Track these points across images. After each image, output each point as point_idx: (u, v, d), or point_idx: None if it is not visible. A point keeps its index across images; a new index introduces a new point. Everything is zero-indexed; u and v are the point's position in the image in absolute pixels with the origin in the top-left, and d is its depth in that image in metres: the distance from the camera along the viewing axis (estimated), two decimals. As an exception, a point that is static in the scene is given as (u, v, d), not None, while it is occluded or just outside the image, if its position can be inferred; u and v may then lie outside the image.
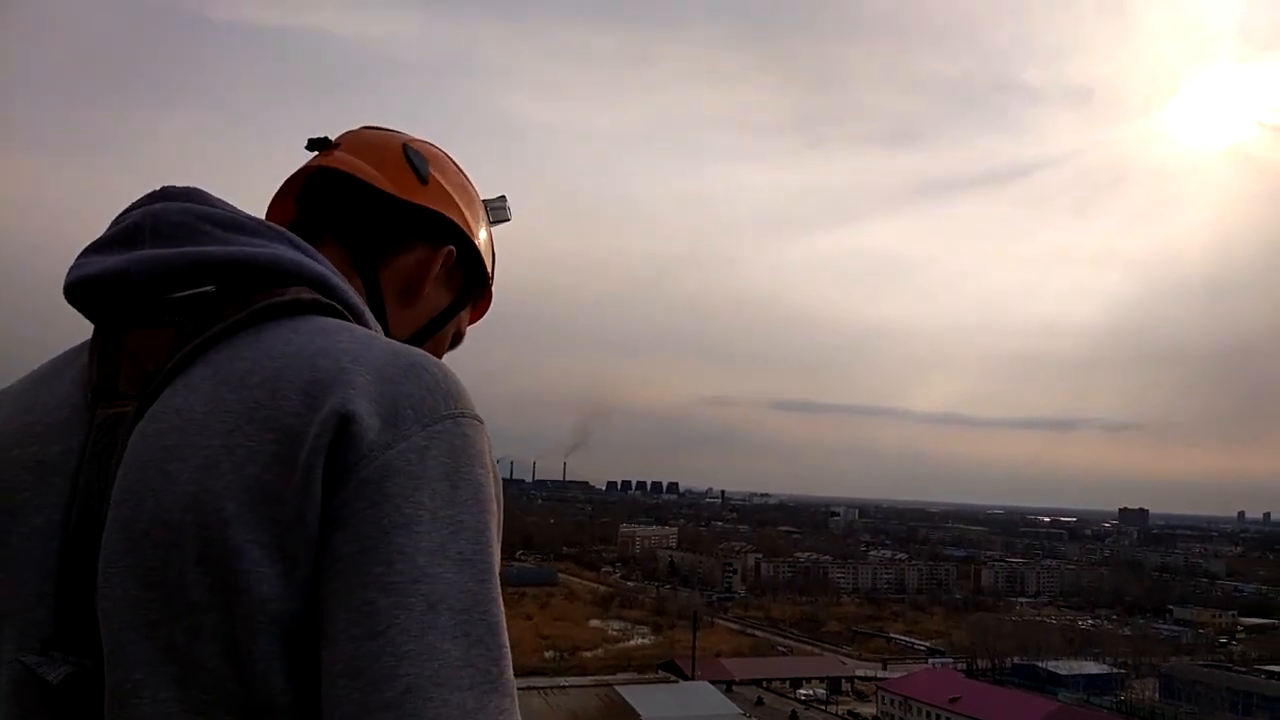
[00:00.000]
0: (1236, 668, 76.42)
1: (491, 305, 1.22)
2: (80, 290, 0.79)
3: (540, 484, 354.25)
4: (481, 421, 0.76)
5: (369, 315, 0.87)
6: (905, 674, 71.22)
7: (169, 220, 0.81)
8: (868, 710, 66.35)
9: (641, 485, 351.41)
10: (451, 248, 1.05)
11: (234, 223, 0.83)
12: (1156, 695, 71.35)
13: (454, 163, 1.13)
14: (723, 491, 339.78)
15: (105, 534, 0.69)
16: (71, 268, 0.80)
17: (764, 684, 70.57)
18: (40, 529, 0.72)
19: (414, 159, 1.05)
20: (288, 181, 1.07)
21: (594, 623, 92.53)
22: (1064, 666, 75.05)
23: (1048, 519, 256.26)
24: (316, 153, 1.06)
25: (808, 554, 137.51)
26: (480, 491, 0.72)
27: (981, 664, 79.82)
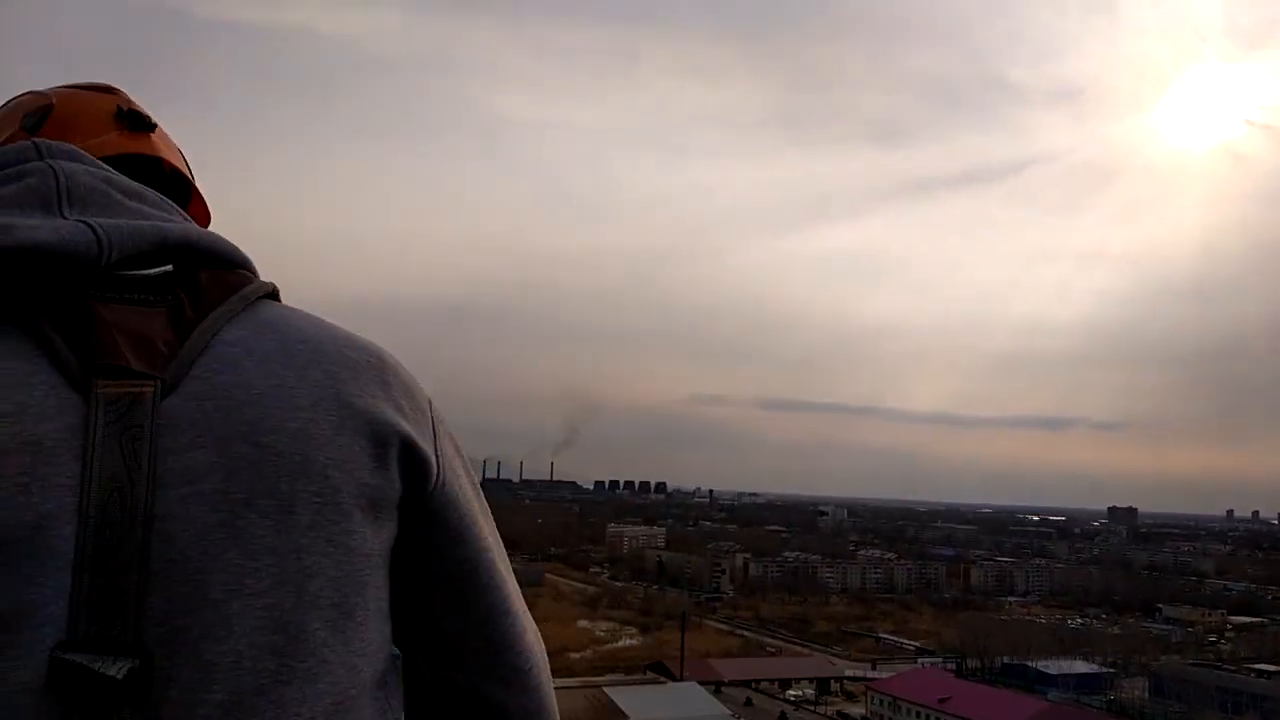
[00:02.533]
0: (1226, 666, 76.36)
1: None
2: (23, 257, 0.69)
3: (527, 483, 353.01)
4: None
5: None
6: (894, 674, 70.73)
7: (80, 183, 0.76)
8: (857, 710, 65.79)
9: (629, 485, 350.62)
10: None
11: (137, 192, 0.80)
12: (1146, 694, 71.12)
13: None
14: (711, 491, 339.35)
15: (174, 513, 0.65)
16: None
17: (753, 685, 69.90)
18: (50, 515, 0.63)
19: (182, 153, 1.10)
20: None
21: (582, 623, 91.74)
22: (1053, 666, 74.72)
23: (1037, 518, 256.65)
24: (125, 130, 1.02)
25: (796, 554, 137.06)
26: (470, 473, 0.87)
27: (971, 664, 79.39)
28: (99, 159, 0.88)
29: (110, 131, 1.00)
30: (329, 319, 0.80)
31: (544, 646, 0.89)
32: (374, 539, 0.72)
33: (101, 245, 0.71)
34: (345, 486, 0.70)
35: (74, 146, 0.81)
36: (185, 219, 0.82)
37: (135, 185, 0.81)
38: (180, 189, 1.06)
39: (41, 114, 0.99)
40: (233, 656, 0.64)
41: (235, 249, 0.81)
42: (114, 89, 1.08)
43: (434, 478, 0.78)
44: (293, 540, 0.68)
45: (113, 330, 0.69)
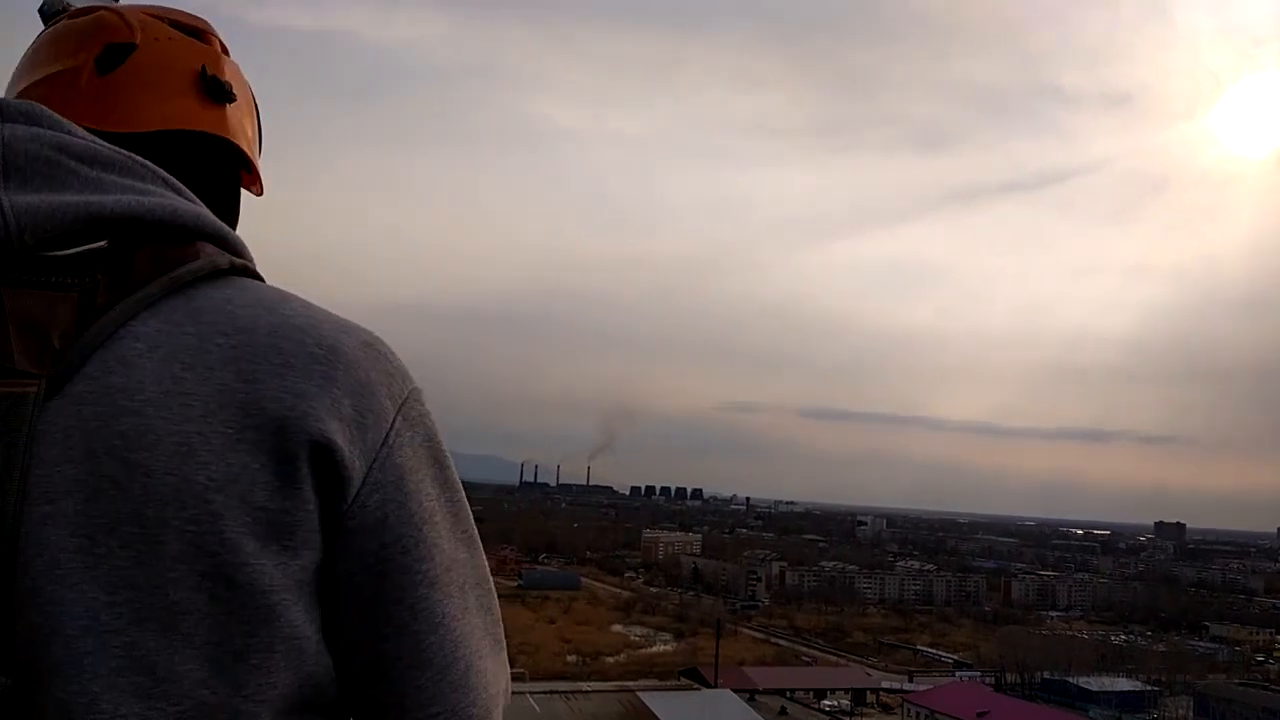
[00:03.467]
0: (1273, 687, 74.65)
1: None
2: None
3: (564, 488, 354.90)
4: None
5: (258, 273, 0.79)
6: (932, 687, 70.17)
7: (23, 152, 0.66)
8: (893, 723, 65.41)
9: (665, 490, 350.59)
10: None
11: (97, 156, 0.70)
12: (1191, 714, 69.94)
13: None
14: (747, 498, 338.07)
15: (32, 535, 0.58)
16: None
17: (788, 694, 69.78)
18: None
19: (261, 130, 1.00)
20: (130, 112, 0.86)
21: (616, 628, 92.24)
22: (1095, 683, 73.66)
23: (1080, 531, 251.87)
24: (202, 99, 0.90)
25: (833, 563, 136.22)
26: (452, 463, 0.73)
27: (1010, 678, 78.48)
28: (166, 130, 0.84)
29: (186, 97, 0.89)
30: (331, 308, 0.70)
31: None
32: (278, 570, 0.61)
33: (9, 225, 0.63)
34: (231, 512, 0.60)
35: (36, 107, 0.70)
36: (168, 192, 0.72)
37: (104, 151, 0.70)
38: (239, 166, 0.95)
39: (121, 53, 0.87)
40: (87, 697, 0.57)
41: (200, 218, 0.71)
42: (208, 33, 0.95)
43: (351, 493, 0.64)
44: (157, 573, 0.58)
45: (7, 321, 0.61)
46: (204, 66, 0.90)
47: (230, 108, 0.92)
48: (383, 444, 0.66)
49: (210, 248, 0.70)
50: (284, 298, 0.70)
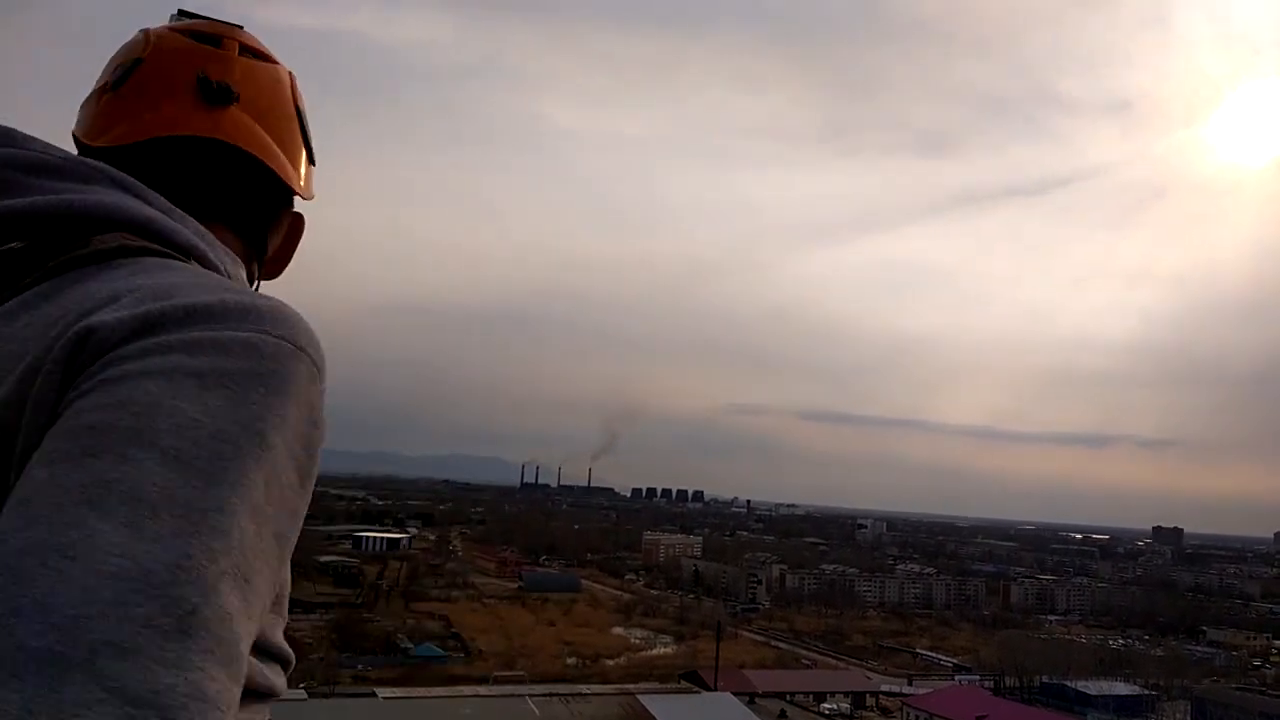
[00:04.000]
0: (1270, 692, 74.88)
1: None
2: None
3: (566, 489, 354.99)
4: (312, 358, 0.70)
5: (220, 260, 0.81)
6: (931, 690, 70.46)
7: None
8: (892, 726, 65.68)
9: (666, 493, 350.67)
10: (301, 213, 1.01)
11: (44, 165, 0.76)
12: (1188, 718, 70.19)
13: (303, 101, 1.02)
14: (748, 501, 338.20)
15: None
16: None
17: (787, 697, 70.06)
18: None
19: (308, 134, 0.97)
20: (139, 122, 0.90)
21: (617, 630, 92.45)
22: (1093, 687, 73.94)
23: (1079, 536, 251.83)
24: (199, 103, 0.91)
25: (834, 566, 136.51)
26: (239, 402, 0.64)
27: (1009, 682, 78.75)
28: (165, 137, 0.87)
29: (179, 103, 0.90)
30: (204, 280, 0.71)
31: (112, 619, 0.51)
32: None
33: None
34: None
35: (6, 129, 0.77)
36: (114, 191, 0.76)
37: (52, 160, 0.76)
38: (253, 169, 0.93)
39: (128, 69, 0.92)
40: None
41: (122, 208, 0.74)
42: (227, 37, 0.96)
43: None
44: None
45: None
46: (201, 71, 0.91)
47: (233, 109, 0.91)
48: (125, 344, 0.65)
49: (122, 236, 0.73)
50: (183, 269, 0.72)
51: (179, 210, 0.81)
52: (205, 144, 0.90)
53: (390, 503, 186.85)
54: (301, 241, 0.94)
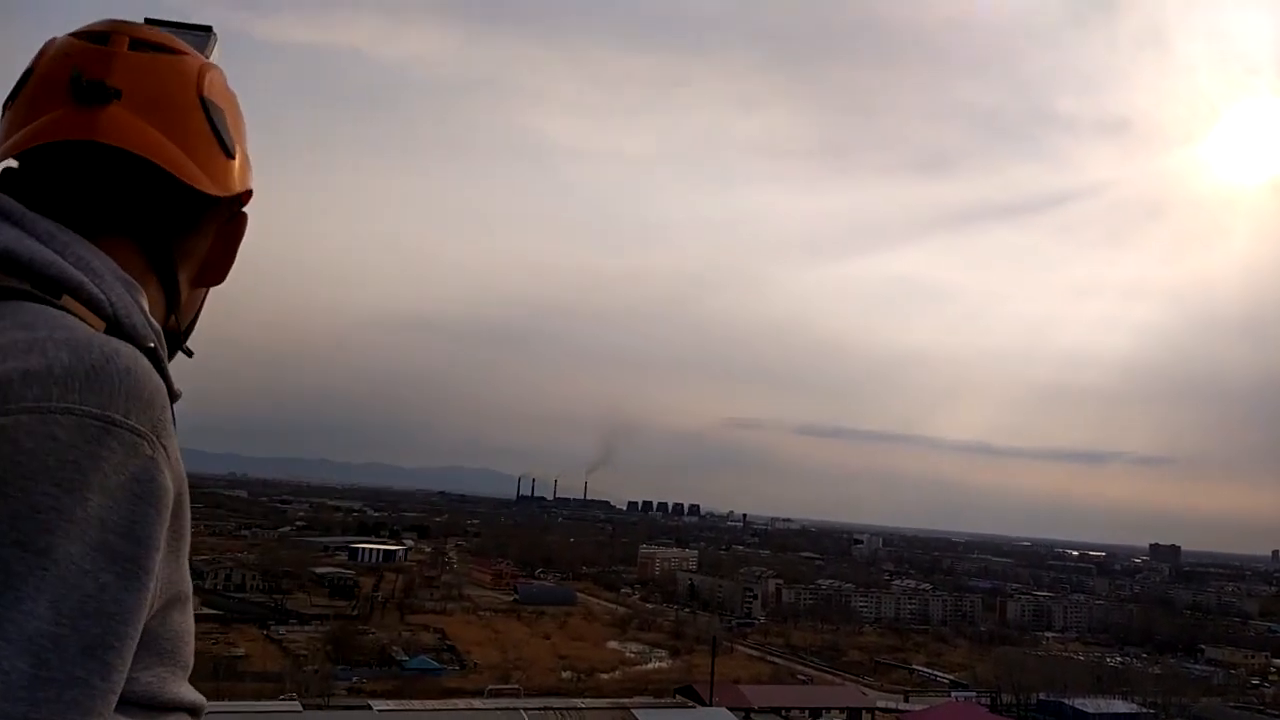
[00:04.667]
0: (1269, 710, 74.58)
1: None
2: None
3: (562, 502, 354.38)
4: (132, 427, 0.65)
5: (107, 289, 0.75)
6: (927, 706, 70.11)
7: None
8: (888, 743, 65.31)
9: (662, 506, 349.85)
10: (244, 212, 0.94)
11: None
12: (1186, 737, 69.79)
13: (230, 93, 0.93)
14: (744, 515, 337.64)
15: None
16: None
17: (782, 713, 69.70)
18: None
19: (219, 127, 0.88)
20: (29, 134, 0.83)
21: (612, 644, 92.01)
22: (1091, 704, 73.57)
23: (1076, 553, 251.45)
24: (72, 105, 0.83)
25: (830, 581, 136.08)
26: (13, 512, 0.60)
27: (1006, 699, 78.38)
28: (47, 145, 0.82)
29: (59, 106, 0.83)
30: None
31: None
32: None
33: None
34: None
35: None
36: None
37: None
38: (145, 169, 0.83)
39: (22, 81, 0.87)
40: None
41: None
42: (109, 33, 0.88)
43: None
44: None
45: None
46: (76, 69, 0.84)
47: (113, 108, 0.83)
48: None
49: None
50: (26, 324, 0.67)
51: (65, 235, 0.75)
52: (86, 148, 0.82)
53: (386, 514, 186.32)
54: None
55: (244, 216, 0.94)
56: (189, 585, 0.77)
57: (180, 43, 0.91)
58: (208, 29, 0.99)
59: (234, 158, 0.89)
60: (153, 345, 0.76)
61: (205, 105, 0.87)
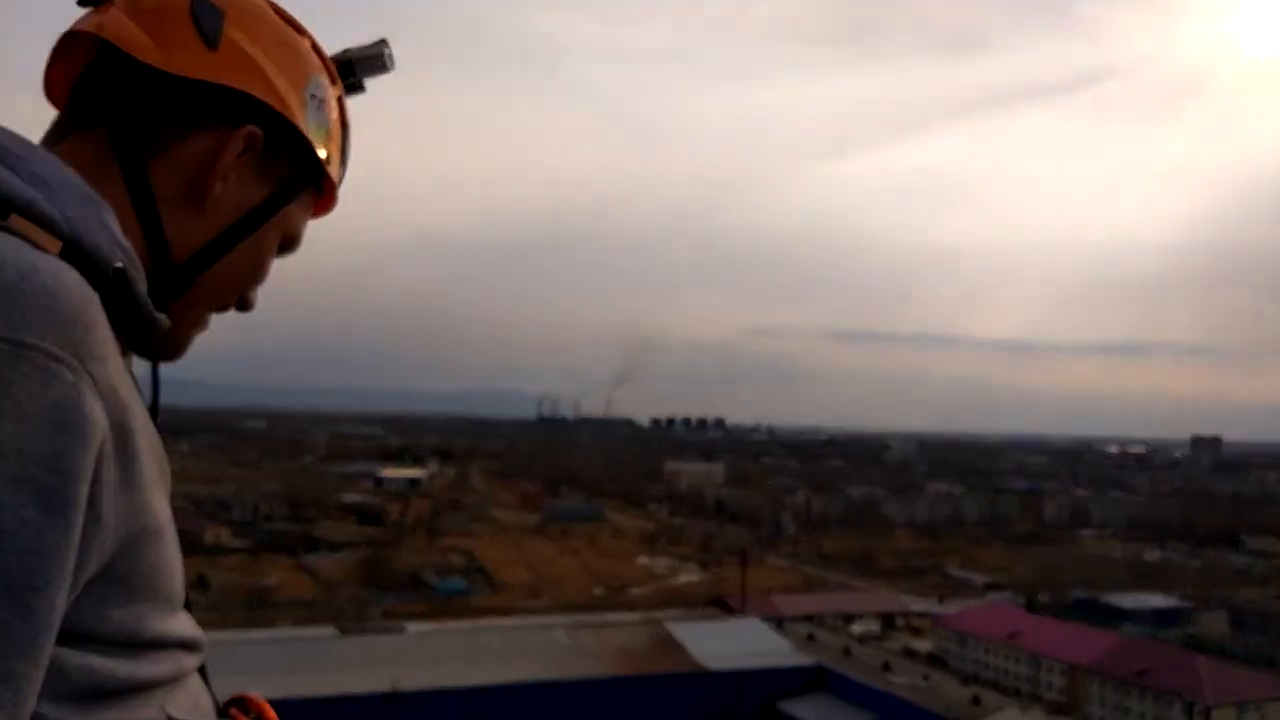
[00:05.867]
0: (1312, 599, 73.20)
1: (337, 195, 0.95)
2: None
3: (584, 421, 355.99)
4: (46, 351, 0.60)
5: (62, 203, 0.69)
6: (963, 609, 69.28)
7: None
8: (924, 645, 64.60)
9: (687, 421, 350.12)
10: (252, 129, 0.83)
11: None
12: (1226, 628, 68.69)
13: (274, 10, 0.89)
14: (770, 427, 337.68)
15: None
16: None
17: (815, 620, 69.06)
18: None
19: (202, 16, 0.83)
20: (61, 48, 0.86)
21: (641, 559, 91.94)
22: (1128, 600, 72.50)
23: (1115, 448, 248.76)
24: (82, 4, 0.84)
25: (860, 488, 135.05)
26: None
27: (1042, 599, 77.40)
28: (68, 52, 0.84)
29: (81, 11, 0.85)
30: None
31: None
32: None
33: None
34: None
35: None
36: None
37: None
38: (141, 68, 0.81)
39: None
40: None
41: None
42: None
43: None
44: None
45: None
46: None
47: (110, 9, 0.83)
48: None
49: None
50: None
51: (23, 148, 0.72)
52: (93, 43, 0.83)
53: (407, 440, 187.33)
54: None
55: (242, 134, 0.83)
56: (159, 516, 0.70)
57: None
58: (382, 40, 1.01)
59: (214, 48, 0.82)
60: (120, 265, 0.71)
61: (195, 2, 0.84)
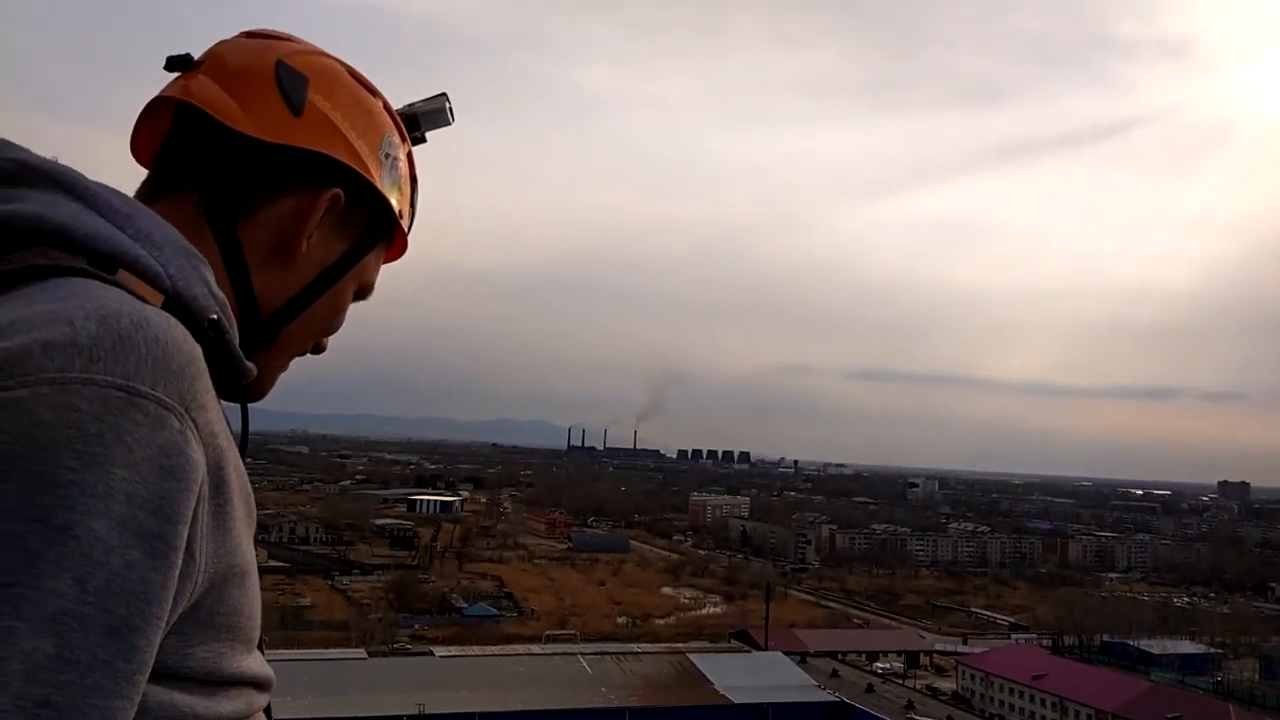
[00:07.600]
0: (1345, 649, 72.34)
1: (407, 244, 1.01)
2: None
3: (612, 451, 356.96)
4: (159, 399, 0.63)
5: (167, 261, 0.74)
6: (987, 649, 69.32)
7: None
8: (947, 685, 64.81)
9: (713, 454, 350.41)
10: (337, 191, 0.88)
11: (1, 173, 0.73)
12: (1256, 676, 68.12)
13: (350, 74, 0.94)
14: (795, 461, 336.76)
15: None
16: None
17: (839, 656, 69.49)
18: None
19: (287, 83, 0.87)
20: (148, 110, 0.91)
21: (666, 590, 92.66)
22: (1157, 645, 72.09)
23: (1140, 492, 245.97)
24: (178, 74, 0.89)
25: (885, 525, 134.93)
26: (29, 488, 0.58)
27: (1068, 641, 77.16)
28: (154, 114, 0.89)
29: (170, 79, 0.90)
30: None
31: None
32: None
33: None
34: None
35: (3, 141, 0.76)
36: (47, 195, 0.73)
37: (6, 167, 0.73)
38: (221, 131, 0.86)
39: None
40: None
41: (42, 221, 0.71)
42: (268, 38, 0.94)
43: None
44: None
45: None
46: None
47: (197, 74, 0.89)
48: None
49: (51, 251, 0.70)
50: (73, 291, 0.66)
51: (130, 206, 0.76)
52: (181, 110, 0.88)
53: (442, 467, 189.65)
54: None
55: (328, 196, 0.88)
56: (246, 559, 0.74)
57: (289, 35, 0.94)
58: (442, 95, 1.06)
59: (299, 114, 0.87)
60: (215, 317, 0.75)
61: (279, 65, 0.88)
